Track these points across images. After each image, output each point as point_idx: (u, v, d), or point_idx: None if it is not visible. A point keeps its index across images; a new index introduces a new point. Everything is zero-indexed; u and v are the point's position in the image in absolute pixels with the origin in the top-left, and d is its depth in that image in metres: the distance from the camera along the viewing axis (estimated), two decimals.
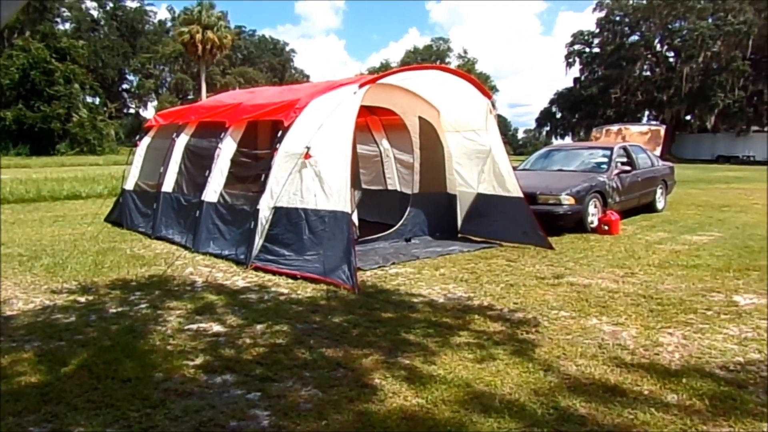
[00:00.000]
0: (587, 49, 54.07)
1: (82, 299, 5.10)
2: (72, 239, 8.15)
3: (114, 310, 4.76)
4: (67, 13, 54.22)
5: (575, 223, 8.59)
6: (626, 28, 51.00)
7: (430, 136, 8.10)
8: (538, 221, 7.43)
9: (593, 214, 8.84)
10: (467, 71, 8.03)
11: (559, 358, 3.67)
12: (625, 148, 10.59)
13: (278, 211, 6.16)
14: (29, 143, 38.83)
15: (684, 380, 3.30)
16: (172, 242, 7.66)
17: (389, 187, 9.29)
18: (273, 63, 71.96)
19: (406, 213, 7.99)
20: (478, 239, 7.82)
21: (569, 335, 4.11)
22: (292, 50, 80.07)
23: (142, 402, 3.05)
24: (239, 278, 5.85)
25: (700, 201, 13.39)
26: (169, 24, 64.65)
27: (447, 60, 67.11)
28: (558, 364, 3.57)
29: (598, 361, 3.60)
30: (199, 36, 48.01)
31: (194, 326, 4.34)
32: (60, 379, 3.36)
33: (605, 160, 9.93)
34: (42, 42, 42.24)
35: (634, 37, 50.53)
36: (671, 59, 49.18)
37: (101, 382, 3.30)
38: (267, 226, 6.22)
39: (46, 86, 39.87)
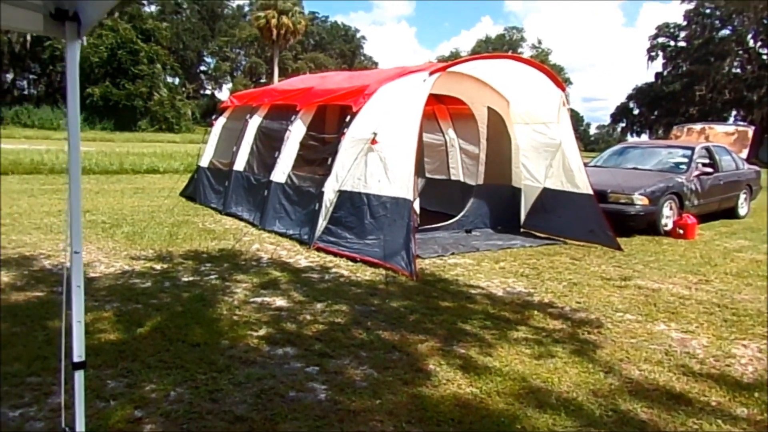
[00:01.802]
0: (672, 43, 51.04)
1: (158, 267, 5.42)
2: (150, 210, 8.65)
3: (186, 279, 5.04)
4: None
5: (647, 225, 8.21)
6: (717, 22, 47.64)
7: (497, 127, 7.96)
8: (607, 220, 7.17)
9: (668, 216, 8.42)
10: (540, 62, 7.78)
11: (621, 361, 3.56)
12: (707, 149, 10.00)
13: (342, 195, 6.27)
14: (114, 119, 41.23)
15: (756, 394, 3.13)
16: (241, 219, 7.98)
17: (452, 177, 9.22)
18: (343, 49, 72.64)
19: (468, 204, 7.92)
20: (542, 235, 7.64)
21: (634, 339, 3.97)
22: (363, 37, 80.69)
23: (209, 366, 3.23)
24: (302, 257, 6.03)
25: None
26: (246, 9, 66.55)
27: (519, 50, 65.36)
28: (620, 367, 3.46)
29: (663, 368, 3.46)
30: (274, 21, 49.19)
31: (259, 299, 4.53)
32: (136, 338, 3.61)
33: (685, 160, 9.41)
34: (129, 23, 44.54)
35: (725, 32, 47.14)
36: (765, 56, 45.64)
37: (172, 344, 3.52)
38: (331, 209, 6.36)
39: (131, 65, 42.11)
